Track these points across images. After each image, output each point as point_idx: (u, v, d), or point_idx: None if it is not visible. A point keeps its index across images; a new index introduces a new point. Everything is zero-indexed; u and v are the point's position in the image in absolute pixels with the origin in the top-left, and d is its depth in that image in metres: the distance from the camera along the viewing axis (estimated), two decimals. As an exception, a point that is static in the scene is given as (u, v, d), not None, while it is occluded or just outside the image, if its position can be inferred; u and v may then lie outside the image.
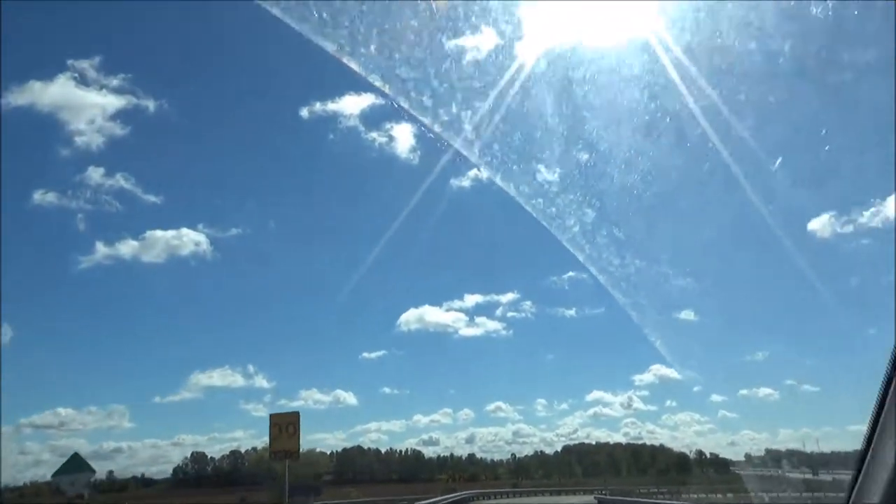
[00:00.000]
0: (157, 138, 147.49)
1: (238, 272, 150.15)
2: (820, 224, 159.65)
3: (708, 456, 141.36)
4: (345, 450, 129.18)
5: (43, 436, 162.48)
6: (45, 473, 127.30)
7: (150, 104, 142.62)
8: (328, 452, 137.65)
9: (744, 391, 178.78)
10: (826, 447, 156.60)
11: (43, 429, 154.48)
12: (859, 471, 3.87)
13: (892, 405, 3.82)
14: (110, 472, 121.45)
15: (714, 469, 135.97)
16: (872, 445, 3.83)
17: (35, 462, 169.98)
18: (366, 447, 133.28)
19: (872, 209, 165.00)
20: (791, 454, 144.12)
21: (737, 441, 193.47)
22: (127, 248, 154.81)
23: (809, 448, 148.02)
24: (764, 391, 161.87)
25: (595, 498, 40.58)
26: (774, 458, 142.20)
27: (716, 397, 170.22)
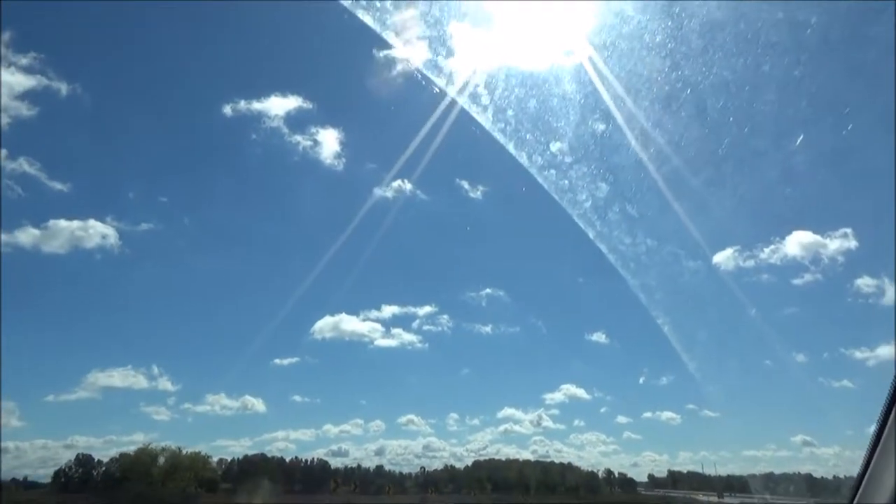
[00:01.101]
0: (68, 123, 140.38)
1: (147, 269, 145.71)
2: (724, 257, 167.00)
3: (616, 475, 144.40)
4: (246, 457, 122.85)
5: None
6: None
7: (63, 87, 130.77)
8: (228, 459, 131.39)
9: (648, 413, 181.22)
10: (722, 471, 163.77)
11: None
12: (864, 472, 4.52)
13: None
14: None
15: (621, 488, 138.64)
16: (879, 447, 4.43)
17: None
18: (270, 455, 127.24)
19: (773, 246, 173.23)
20: (692, 476, 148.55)
21: (639, 462, 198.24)
22: (26, 236, 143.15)
23: (707, 471, 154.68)
24: (667, 414, 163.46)
25: None
26: (676, 479, 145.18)
27: (621, 418, 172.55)
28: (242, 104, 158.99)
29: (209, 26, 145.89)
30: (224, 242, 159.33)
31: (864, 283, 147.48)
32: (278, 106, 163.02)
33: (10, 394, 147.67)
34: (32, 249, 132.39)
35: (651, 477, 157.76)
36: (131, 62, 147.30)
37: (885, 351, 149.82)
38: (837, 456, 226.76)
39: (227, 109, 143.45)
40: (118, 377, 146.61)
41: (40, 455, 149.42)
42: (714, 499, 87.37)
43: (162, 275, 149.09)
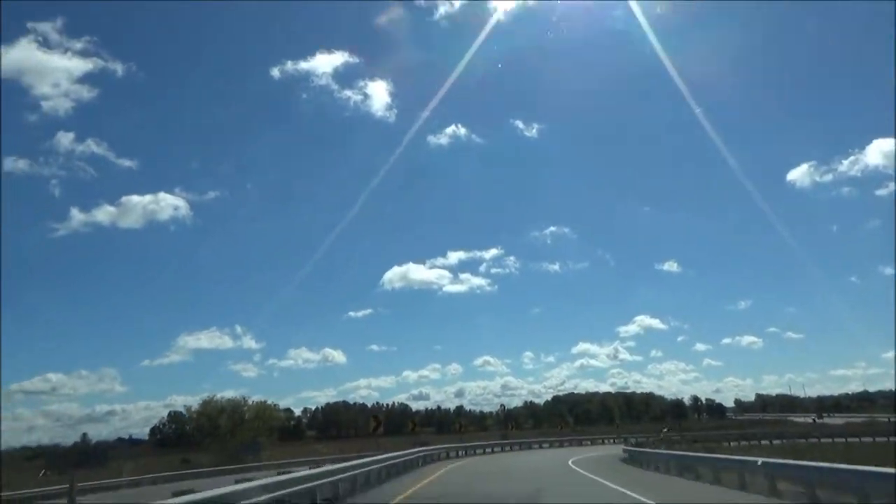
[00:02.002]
0: (127, 102, 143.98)
1: (219, 235, 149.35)
2: (799, 174, 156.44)
3: (703, 401, 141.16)
4: (328, 405, 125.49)
5: (35, 401, 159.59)
6: (38, 439, 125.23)
7: (118, 67, 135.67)
8: (312, 408, 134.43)
9: (727, 339, 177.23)
10: (811, 392, 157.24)
11: (34, 395, 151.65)
12: None
13: None
14: (84, 435, 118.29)
15: (709, 414, 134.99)
16: None
17: (29, 428, 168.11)
18: (351, 402, 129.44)
19: (852, 158, 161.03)
20: (781, 399, 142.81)
21: (721, 388, 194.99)
22: (103, 214, 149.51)
23: (795, 392, 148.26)
24: (748, 339, 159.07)
25: (625, 450, 32.86)
26: (765, 402, 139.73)
27: (700, 346, 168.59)
28: (290, 65, 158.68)
29: None
30: (287, 203, 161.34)
31: None
32: (325, 63, 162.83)
33: (111, 361, 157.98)
34: (111, 226, 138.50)
35: (738, 402, 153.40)
36: (178, 36, 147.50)
37: None
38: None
39: (276, 72, 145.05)
40: (205, 339, 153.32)
41: (143, 415, 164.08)
42: (812, 419, 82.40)
43: (233, 239, 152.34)
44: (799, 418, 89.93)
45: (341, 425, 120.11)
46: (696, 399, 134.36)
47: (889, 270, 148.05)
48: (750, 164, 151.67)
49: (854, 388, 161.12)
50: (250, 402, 59.55)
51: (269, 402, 62.21)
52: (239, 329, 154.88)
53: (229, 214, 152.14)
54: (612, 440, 61.43)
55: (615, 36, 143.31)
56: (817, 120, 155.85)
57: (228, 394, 60.91)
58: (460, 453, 45.40)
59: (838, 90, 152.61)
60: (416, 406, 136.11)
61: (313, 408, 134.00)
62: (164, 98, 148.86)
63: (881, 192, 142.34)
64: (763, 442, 45.69)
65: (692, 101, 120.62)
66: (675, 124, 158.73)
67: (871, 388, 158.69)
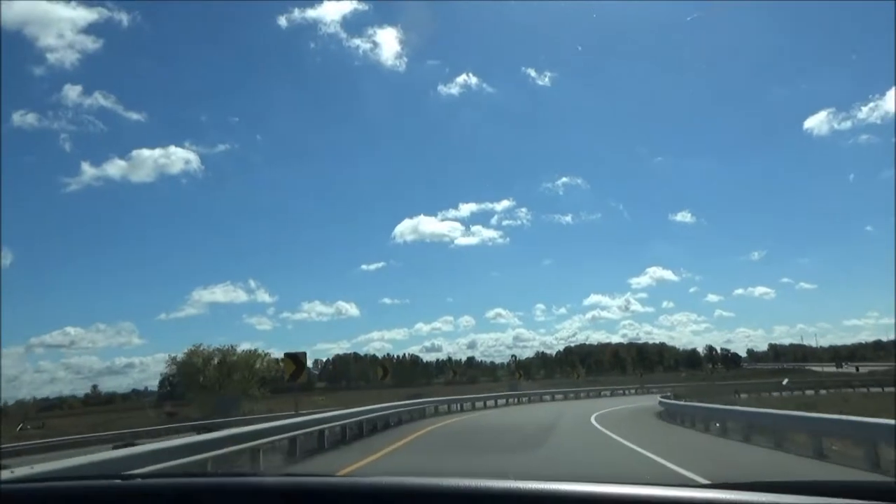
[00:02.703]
0: (133, 54, 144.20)
1: (230, 188, 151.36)
2: (817, 121, 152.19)
3: (718, 351, 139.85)
4: (338, 356, 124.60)
5: (56, 354, 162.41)
6: (60, 390, 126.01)
7: (124, 17, 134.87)
8: (323, 360, 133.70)
9: (740, 290, 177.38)
10: (823, 342, 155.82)
11: (54, 348, 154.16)
12: None
13: None
14: (94, 387, 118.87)
15: (724, 364, 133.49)
16: None
17: (51, 380, 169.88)
18: (362, 354, 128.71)
19: (871, 104, 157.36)
20: (794, 349, 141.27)
21: (732, 339, 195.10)
22: (115, 168, 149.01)
23: (808, 342, 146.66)
24: (760, 290, 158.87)
25: (661, 402, 27.62)
26: (778, 352, 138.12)
27: (712, 297, 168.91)
28: (297, 13, 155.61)
29: None
30: (297, 155, 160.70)
31: None
32: (332, 10, 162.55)
33: (128, 315, 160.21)
34: (122, 180, 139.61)
35: (750, 352, 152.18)
36: None
37: None
38: None
39: (283, 21, 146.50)
40: (220, 293, 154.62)
41: (161, 368, 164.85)
42: (832, 368, 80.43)
43: (245, 193, 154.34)
44: (818, 368, 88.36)
45: (351, 377, 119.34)
46: (710, 348, 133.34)
47: None
48: (767, 112, 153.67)
49: (865, 337, 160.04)
50: (239, 350, 54.88)
51: (259, 350, 56.53)
52: (252, 283, 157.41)
53: (240, 168, 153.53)
54: (632, 390, 58.36)
55: None
56: (836, 66, 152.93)
57: (245, 346, 57.52)
58: (462, 406, 37.95)
59: (856, 35, 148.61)
60: (428, 357, 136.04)
61: (323, 359, 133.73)
62: (170, 49, 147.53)
63: None
64: (817, 392, 42.69)
65: (704, 47, 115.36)
66: (688, 70, 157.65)
67: (884, 338, 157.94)
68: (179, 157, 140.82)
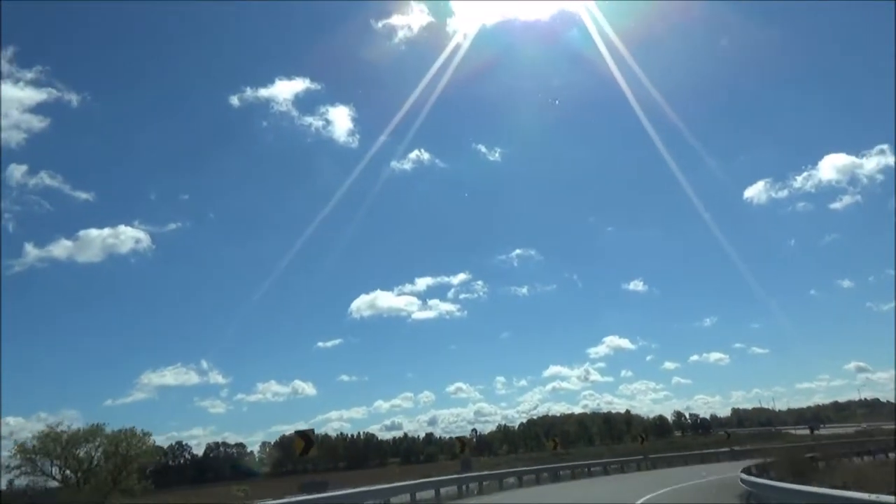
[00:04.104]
0: (83, 133, 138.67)
1: (181, 267, 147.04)
2: (756, 191, 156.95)
3: (688, 417, 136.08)
4: (283, 437, 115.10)
5: None
6: None
7: (73, 97, 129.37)
8: (272, 442, 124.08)
9: (695, 357, 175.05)
10: (780, 405, 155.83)
11: None
12: None
13: None
14: (10, 482, 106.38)
15: (694, 430, 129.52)
16: None
17: None
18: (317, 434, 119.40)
19: (805, 174, 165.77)
20: (758, 413, 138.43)
21: (692, 406, 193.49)
22: (60, 248, 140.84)
23: (765, 406, 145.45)
24: (715, 355, 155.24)
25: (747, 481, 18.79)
26: (741, 417, 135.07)
27: (669, 364, 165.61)
28: (249, 92, 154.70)
29: (202, 21, 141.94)
30: (251, 233, 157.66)
31: None
32: (285, 90, 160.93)
33: (71, 402, 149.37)
34: (68, 261, 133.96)
35: (713, 417, 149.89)
36: (133, 65, 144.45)
37: None
38: (894, 379, 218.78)
39: (235, 100, 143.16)
40: (170, 375, 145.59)
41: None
42: (807, 432, 77.46)
43: (197, 272, 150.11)
44: (797, 431, 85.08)
45: (297, 459, 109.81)
46: (679, 414, 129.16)
47: (846, 283, 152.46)
48: (708, 183, 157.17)
49: (819, 400, 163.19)
50: (108, 431, 42.30)
51: (139, 430, 43.41)
52: (205, 364, 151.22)
53: (192, 246, 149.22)
54: (633, 465, 46.13)
55: (573, 57, 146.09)
56: (770, 137, 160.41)
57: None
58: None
59: (788, 108, 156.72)
60: (388, 436, 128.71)
61: (272, 442, 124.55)
62: (120, 128, 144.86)
63: (835, 205, 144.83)
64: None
65: (648, 123, 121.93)
66: (634, 144, 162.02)
67: (841, 399, 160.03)
68: (129, 237, 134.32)
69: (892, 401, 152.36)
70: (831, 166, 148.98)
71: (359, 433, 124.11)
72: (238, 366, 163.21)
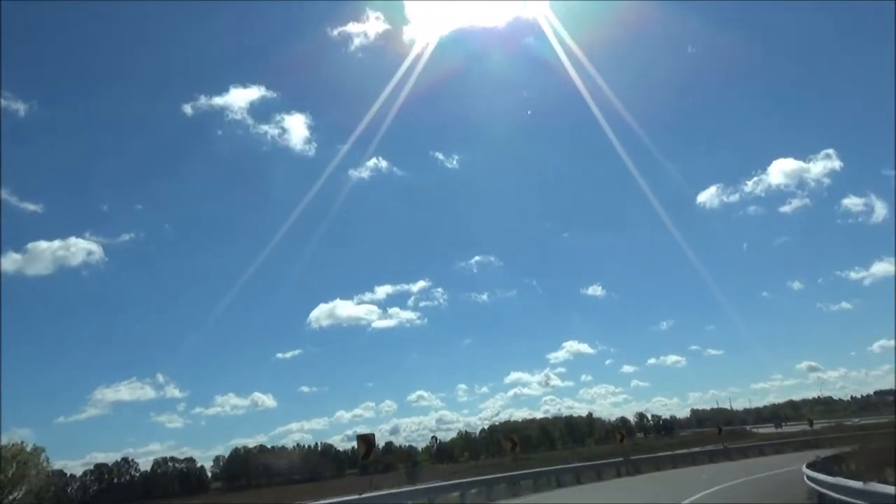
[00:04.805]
0: (30, 143, 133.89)
1: (136, 279, 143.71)
2: (708, 195, 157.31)
3: (650, 418, 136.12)
4: (236, 451, 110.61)
5: None
6: None
7: (20, 106, 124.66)
8: (226, 456, 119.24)
9: (653, 360, 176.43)
10: (736, 405, 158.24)
11: None
12: None
13: None
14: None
15: (657, 432, 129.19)
16: None
17: None
18: (269, 447, 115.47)
19: (755, 178, 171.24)
20: (717, 413, 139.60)
21: (650, 408, 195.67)
22: (8, 262, 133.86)
23: (724, 406, 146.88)
24: (672, 358, 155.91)
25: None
26: (700, 418, 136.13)
27: (627, 368, 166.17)
28: (203, 100, 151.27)
29: (154, 28, 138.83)
30: (207, 242, 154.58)
31: (852, 202, 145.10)
32: (240, 98, 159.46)
33: (23, 420, 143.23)
34: (17, 275, 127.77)
35: (673, 418, 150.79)
36: (83, 73, 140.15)
37: (879, 268, 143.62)
38: (844, 378, 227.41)
39: (188, 108, 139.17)
40: (125, 390, 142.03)
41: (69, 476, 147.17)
42: (772, 429, 77.97)
43: (152, 283, 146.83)
44: (762, 429, 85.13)
45: (252, 473, 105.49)
46: (641, 416, 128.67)
47: (797, 285, 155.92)
48: (663, 188, 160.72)
49: (774, 399, 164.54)
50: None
51: (29, 446, 38.66)
52: (161, 378, 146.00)
53: (146, 257, 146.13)
54: (612, 470, 38.15)
55: (530, 63, 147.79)
56: (722, 142, 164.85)
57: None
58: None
59: (739, 113, 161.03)
60: (348, 446, 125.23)
61: (226, 456, 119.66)
62: (70, 137, 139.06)
63: (785, 209, 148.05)
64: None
65: (605, 128, 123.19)
66: (591, 149, 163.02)
67: (795, 398, 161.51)
68: (80, 249, 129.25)
69: (844, 398, 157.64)
70: (780, 171, 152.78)
71: (316, 444, 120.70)
72: (196, 379, 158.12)
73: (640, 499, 23.83)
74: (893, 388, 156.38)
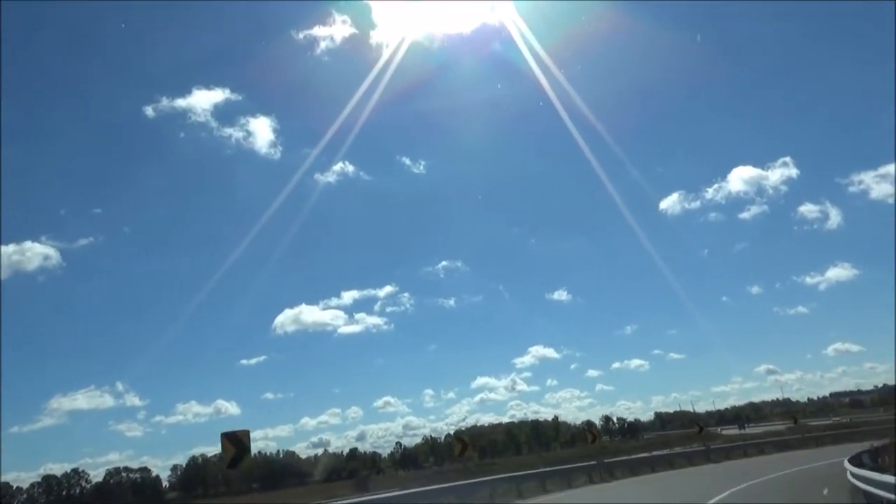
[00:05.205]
0: None
1: (95, 284, 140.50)
2: (670, 202, 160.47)
3: (615, 421, 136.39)
4: (193, 459, 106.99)
5: None
6: None
7: None
8: (183, 465, 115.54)
9: (617, 364, 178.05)
10: (699, 408, 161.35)
11: None
12: None
13: None
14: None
15: (623, 435, 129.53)
16: None
17: None
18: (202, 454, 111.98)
19: (716, 185, 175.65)
20: (680, 415, 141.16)
21: (614, 412, 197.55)
22: None
23: (686, 409, 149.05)
24: (635, 362, 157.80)
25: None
26: (664, 420, 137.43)
27: (592, 372, 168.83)
28: (165, 102, 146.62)
29: (115, 27, 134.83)
30: (169, 247, 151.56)
31: (808, 209, 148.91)
32: (203, 100, 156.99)
33: None
34: None
35: (637, 421, 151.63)
36: (40, 72, 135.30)
37: (834, 273, 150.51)
38: (800, 380, 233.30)
39: (150, 110, 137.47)
40: (83, 399, 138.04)
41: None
42: (735, 431, 78.71)
43: (111, 289, 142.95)
44: (726, 430, 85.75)
45: (209, 482, 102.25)
46: (607, 419, 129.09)
47: (756, 289, 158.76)
48: (626, 194, 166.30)
49: (734, 401, 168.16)
50: None
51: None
52: (120, 386, 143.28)
53: (105, 262, 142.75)
54: (583, 476, 33.73)
55: (497, 69, 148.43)
56: (685, 150, 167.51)
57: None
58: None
59: (701, 121, 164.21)
60: (311, 453, 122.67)
61: (184, 465, 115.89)
62: (25, 139, 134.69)
63: (744, 215, 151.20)
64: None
65: (573, 134, 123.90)
66: (558, 155, 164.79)
67: (756, 400, 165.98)
68: (36, 253, 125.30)
69: (802, 400, 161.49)
70: (739, 178, 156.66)
71: (278, 451, 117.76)
72: (156, 387, 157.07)
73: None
74: (848, 390, 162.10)
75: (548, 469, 34.47)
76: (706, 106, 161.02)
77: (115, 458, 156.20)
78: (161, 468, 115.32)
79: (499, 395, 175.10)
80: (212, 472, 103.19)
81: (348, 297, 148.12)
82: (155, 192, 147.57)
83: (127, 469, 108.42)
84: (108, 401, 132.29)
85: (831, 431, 50.78)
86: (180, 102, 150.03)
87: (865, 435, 40.36)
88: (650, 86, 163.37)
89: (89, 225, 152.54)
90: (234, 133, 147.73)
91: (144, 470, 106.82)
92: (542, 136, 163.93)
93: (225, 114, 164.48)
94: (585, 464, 35.40)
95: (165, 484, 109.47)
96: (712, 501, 18.67)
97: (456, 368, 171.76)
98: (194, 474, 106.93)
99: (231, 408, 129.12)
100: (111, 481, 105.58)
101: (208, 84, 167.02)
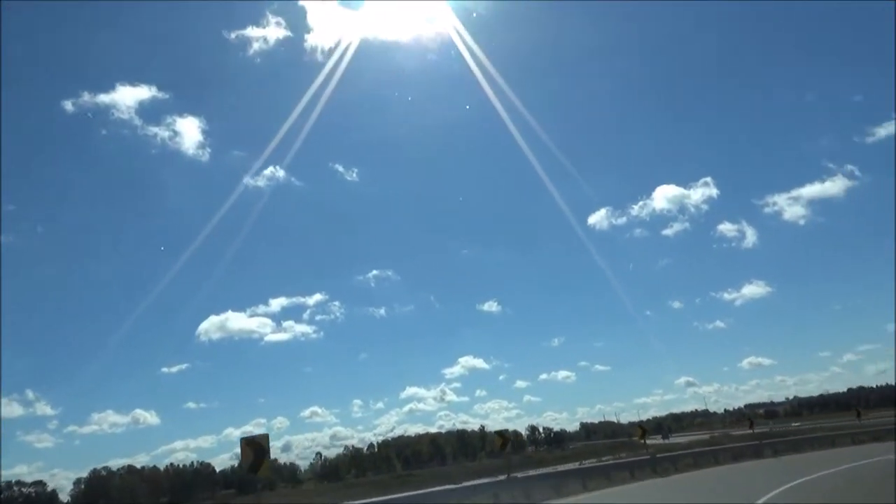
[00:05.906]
0: None
1: (5, 285, 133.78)
2: (598, 217, 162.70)
3: (541, 431, 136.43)
4: (95, 472, 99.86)
5: None
6: None
7: None
8: (85, 477, 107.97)
9: (544, 375, 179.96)
10: (623, 419, 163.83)
11: None
12: None
13: None
14: None
15: (548, 445, 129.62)
16: None
17: None
18: (139, 467, 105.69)
19: (641, 203, 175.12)
20: (605, 426, 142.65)
21: (541, 422, 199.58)
22: None
23: (611, 419, 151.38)
24: (562, 373, 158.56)
25: None
26: (589, 430, 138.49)
27: (521, 383, 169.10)
28: (86, 97, 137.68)
29: (31, 16, 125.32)
30: (86, 247, 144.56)
31: (726, 228, 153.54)
32: (127, 96, 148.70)
33: None
34: None
35: (563, 431, 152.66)
36: None
37: (749, 290, 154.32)
38: (717, 392, 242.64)
39: (69, 105, 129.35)
40: None
41: None
42: (659, 441, 79.87)
43: (21, 290, 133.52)
44: (651, 441, 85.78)
45: (111, 497, 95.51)
46: (533, 429, 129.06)
47: (677, 304, 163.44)
48: (556, 208, 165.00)
49: (655, 412, 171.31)
50: None
51: None
52: (31, 394, 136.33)
53: (16, 262, 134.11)
54: (489, 491, 24.39)
55: (432, 77, 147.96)
56: (612, 167, 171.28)
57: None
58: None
59: (629, 139, 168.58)
60: (228, 465, 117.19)
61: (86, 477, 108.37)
62: None
63: (667, 232, 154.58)
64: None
65: (510, 143, 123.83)
66: (491, 168, 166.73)
67: (676, 411, 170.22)
68: None
69: (719, 412, 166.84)
70: (663, 196, 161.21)
71: (192, 463, 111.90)
72: (69, 395, 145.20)
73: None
74: (762, 401, 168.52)
75: (462, 485, 24.85)
76: (634, 125, 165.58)
77: (23, 471, 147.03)
78: (69, 481, 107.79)
79: (428, 406, 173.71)
80: (116, 486, 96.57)
81: (276, 304, 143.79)
82: (73, 190, 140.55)
83: (20, 483, 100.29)
84: (16, 409, 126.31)
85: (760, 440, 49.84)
86: (103, 98, 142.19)
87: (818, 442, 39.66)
88: (581, 104, 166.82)
89: (1, 222, 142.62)
90: (160, 132, 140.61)
91: (39, 483, 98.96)
92: (476, 149, 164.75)
93: (150, 112, 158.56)
94: (493, 479, 26.13)
95: (67, 499, 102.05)
96: None
97: (385, 378, 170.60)
98: (98, 488, 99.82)
99: (150, 417, 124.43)
100: (1, 496, 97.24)
101: (133, 80, 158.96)
